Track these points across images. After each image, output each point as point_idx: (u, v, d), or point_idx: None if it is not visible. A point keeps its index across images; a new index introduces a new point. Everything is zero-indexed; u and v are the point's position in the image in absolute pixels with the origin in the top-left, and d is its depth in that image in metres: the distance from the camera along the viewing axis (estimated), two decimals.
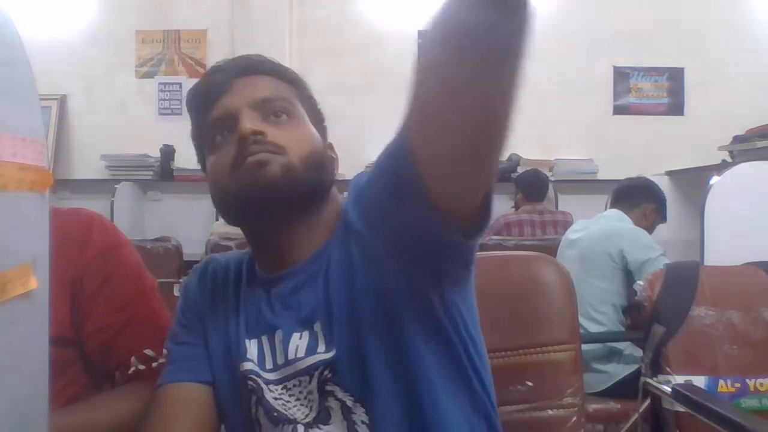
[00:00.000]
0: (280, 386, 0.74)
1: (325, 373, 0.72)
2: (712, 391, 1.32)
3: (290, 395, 0.74)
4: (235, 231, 3.57)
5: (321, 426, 0.72)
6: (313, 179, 0.75)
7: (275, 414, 0.73)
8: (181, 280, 3.12)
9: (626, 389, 1.94)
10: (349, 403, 0.71)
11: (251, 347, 0.77)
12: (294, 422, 0.73)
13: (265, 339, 0.77)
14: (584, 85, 4.16)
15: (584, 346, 1.88)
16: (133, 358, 0.91)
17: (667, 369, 1.35)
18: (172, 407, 0.77)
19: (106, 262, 0.92)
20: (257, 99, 0.75)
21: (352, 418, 0.71)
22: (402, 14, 4.18)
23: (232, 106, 0.74)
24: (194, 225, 3.94)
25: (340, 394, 0.72)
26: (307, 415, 0.73)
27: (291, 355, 0.73)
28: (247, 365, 0.76)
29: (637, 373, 1.87)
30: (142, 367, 0.91)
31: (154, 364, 0.91)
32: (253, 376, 0.75)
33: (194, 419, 0.77)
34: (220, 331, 0.81)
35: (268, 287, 0.79)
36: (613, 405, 2.00)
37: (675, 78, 4.21)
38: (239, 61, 0.79)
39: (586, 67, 4.16)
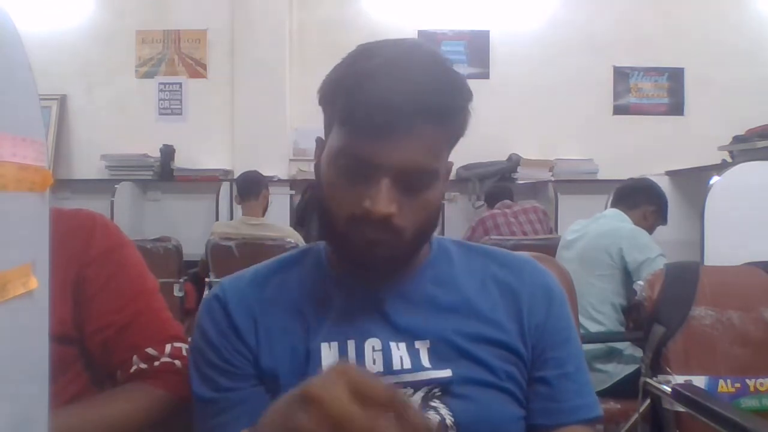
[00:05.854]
0: None
1: (435, 390, 0.73)
2: (712, 391, 1.32)
3: None
4: (235, 231, 3.54)
5: None
6: (418, 247, 0.77)
7: None
8: (181, 280, 3.12)
9: (626, 389, 1.94)
10: (449, 421, 0.72)
11: (329, 352, 0.74)
12: None
13: (351, 344, 0.75)
14: (584, 85, 4.16)
15: (584, 346, 1.88)
16: (134, 357, 0.91)
17: (667, 369, 1.35)
18: None
19: (109, 261, 0.92)
20: (405, 169, 0.70)
21: None
22: (402, 14, 4.19)
23: (380, 164, 0.70)
24: (194, 225, 3.94)
25: (443, 411, 0.72)
26: None
27: (396, 366, 0.73)
28: None
29: (637, 373, 1.87)
30: (143, 365, 0.91)
31: (156, 363, 0.91)
32: None
33: None
34: (289, 343, 0.77)
35: (353, 293, 0.78)
36: (613, 405, 1.99)
37: (675, 78, 4.22)
38: (409, 96, 0.68)
39: (586, 67, 4.16)
